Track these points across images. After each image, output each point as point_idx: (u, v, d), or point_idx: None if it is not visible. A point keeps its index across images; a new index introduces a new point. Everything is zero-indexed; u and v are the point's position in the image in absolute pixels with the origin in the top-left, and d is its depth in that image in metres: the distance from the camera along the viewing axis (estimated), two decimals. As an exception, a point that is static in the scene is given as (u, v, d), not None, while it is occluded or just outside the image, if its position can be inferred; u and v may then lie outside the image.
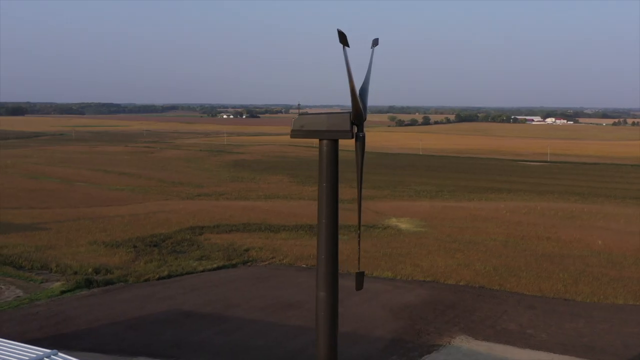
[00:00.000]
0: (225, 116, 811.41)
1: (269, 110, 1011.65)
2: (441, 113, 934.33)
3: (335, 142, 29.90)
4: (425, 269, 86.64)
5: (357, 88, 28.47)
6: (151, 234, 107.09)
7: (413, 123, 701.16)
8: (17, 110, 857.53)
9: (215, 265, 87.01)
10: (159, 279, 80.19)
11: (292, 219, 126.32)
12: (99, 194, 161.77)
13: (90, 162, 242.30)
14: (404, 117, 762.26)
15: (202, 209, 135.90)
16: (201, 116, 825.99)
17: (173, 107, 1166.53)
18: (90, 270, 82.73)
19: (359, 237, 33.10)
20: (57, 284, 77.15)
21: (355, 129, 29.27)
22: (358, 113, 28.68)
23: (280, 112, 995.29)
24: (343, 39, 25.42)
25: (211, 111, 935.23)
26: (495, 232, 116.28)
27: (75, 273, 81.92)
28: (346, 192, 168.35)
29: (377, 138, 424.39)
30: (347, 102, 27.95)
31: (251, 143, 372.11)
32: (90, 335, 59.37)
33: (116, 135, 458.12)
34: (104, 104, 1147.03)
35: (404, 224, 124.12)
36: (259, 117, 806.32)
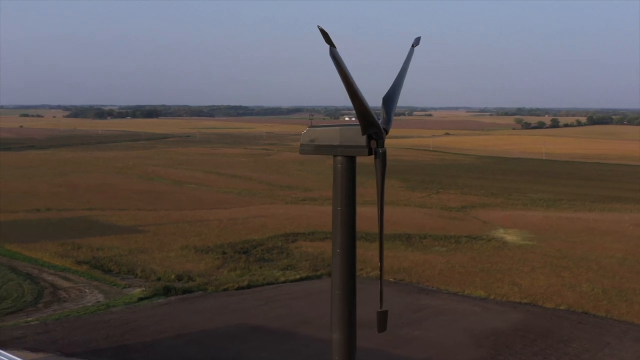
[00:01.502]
0: (347, 118, 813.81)
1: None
2: (573, 115, 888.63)
3: (351, 160, 24.90)
4: (524, 289, 79.18)
5: (384, 92, 23.92)
6: (243, 240, 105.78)
7: (540, 126, 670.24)
8: (152, 112, 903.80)
9: (298, 276, 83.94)
10: (238, 288, 78.08)
11: (391, 227, 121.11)
12: (206, 197, 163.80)
13: (206, 164, 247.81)
14: (531, 120, 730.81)
15: (301, 215, 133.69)
16: (324, 118, 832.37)
17: (298, 110, 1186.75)
18: (172, 276, 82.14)
19: (381, 270, 28.12)
20: (137, 290, 76.84)
21: (374, 144, 24.19)
22: (371, 124, 23.52)
23: (404, 114, 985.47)
24: (327, 38, 20.48)
25: (335, 113, 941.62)
26: (612, 248, 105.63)
27: (158, 279, 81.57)
28: (443, 197, 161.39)
29: (498, 142, 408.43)
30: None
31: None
32: (152, 347, 57.78)
33: (238, 138, 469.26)
34: (232, 107, 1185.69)
35: (510, 236, 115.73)
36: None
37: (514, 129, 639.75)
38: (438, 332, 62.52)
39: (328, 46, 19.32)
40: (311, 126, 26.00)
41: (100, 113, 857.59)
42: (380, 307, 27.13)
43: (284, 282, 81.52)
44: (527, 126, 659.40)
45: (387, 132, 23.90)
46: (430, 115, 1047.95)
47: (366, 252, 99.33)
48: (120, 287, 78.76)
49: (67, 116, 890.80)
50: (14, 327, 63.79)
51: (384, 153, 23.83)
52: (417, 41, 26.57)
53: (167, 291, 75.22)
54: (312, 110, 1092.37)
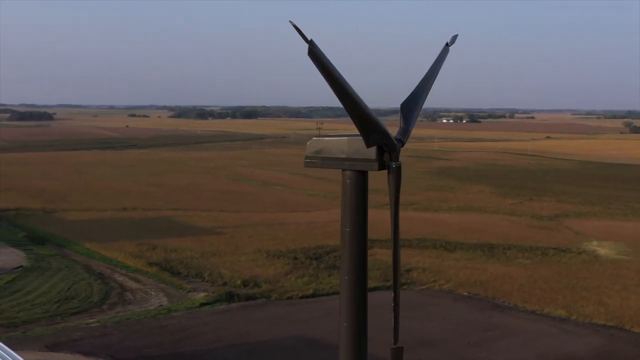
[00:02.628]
0: (445, 120, 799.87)
1: (492, 115, 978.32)
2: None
3: (361, 175, 21.49)
4: (611, 310, 72.56)
5: (404, 97, 20.80)
6: (318, 245, 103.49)
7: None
8: (251, 113, 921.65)
9: (370, 287, 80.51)
10: (302, 297, 75.79)
11: (474, 235, 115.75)
12: (291, 199, 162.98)
13: (296, 166, 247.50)
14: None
15: (381, 220, 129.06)
16: (421, 120, 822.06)
17: (395, 111, 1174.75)
18: (239, 282, 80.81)
19: (396, 301, 24.65)
20: (201, 295, 76.00)
21: (388, 158, 20.81)
22: (376, 133, 19.97)
23: (504, 117, 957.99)
24: (301, 33, 17.27)
25: (432, 115, 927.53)
26: None
27: (224, 284, 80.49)
28: (535, 205, 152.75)
29: (603, 146, 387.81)
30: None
31: (462, 149, 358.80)
32: (203, 357, 56.40)
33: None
34: (330, 108, 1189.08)
35: (604, 249, 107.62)
36: (479, 122, 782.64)
37: (621, 132, 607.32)
38: (507, 355, 57.81)
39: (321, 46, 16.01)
40: (317, 136, 22.75)
41: (201, 113, 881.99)
42: (395, 344, 23.58)
43: (351, 292, 78.39)
44: (636, 130, 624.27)
45: (402, 144, 20.18)
46: (532, 117, 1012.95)
47: (443, 262, 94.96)
48: (185, 290, 78.22)
49: (171, 116, 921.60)
50: (75, 328, 64.16)
51: (399, 168, 20.16)
52: (453, 39, 22.89)
53: (230, 297, 73.91)
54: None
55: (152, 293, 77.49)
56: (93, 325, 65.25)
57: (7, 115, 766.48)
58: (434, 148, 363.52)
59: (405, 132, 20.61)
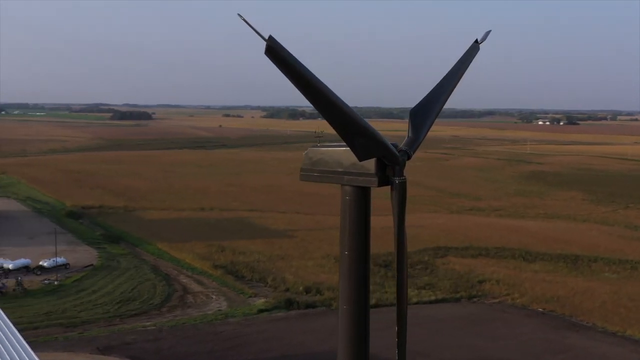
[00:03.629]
0: (540, 122, 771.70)
1: (592, 116, 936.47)
2: None
3: (362, 191, 18.52)
4: None
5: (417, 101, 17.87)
6: (389, 252, 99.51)
7: None
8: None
9: (433, 298, 76.99)
10: (364, 307, 72.81)
11: (558, 245, 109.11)
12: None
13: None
14: None
15: (460, 226, 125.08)
16: (516, 122, 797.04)
17: (490, 113, 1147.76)
18: (301, 288, 78.88)
19: (401, 321, 21.27)
20: (260, 301, 74.51)
21: (391, 172, 17.86)
22: (372, 144, 16.98)
23: (605, 119, 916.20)
24: (256, 32, 14.43)
25: (528, 117, 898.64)
26: None
27: (286, 290, 78.76)
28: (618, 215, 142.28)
29: None
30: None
31: (556, 152, 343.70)
32: (251, 368, 54.58)
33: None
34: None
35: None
36: (578, 124, 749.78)
37: None
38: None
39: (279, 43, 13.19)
40: (314, 146, 19.84)
41: (293, 114, 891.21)
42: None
43: (416, 303, 74.91)
44: None
45: (409, 156, 16.96)
46: (636, 120, 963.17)
47: (520, 274, 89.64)
48: (246, 295, 76.99)
49: (264, 116, 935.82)
50: (130, 331, 63.92)
51: (403, 184, 16.94)
52: (485, 36, 19.60)
53: (289, 304, 72.08)
54: (505, 114, 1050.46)
55: (213, 297, 76.65)
56: (149, 328, 64.83)
57: (110, 114, 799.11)
58: (527, 151, 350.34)
59: (413, 143, 17.38)
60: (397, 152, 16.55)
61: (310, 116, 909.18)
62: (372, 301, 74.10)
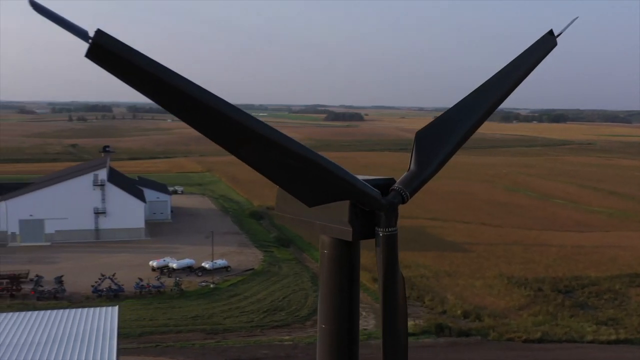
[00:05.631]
0: None
1: None
2: None
3: (344, 244, 12.75)
4: None
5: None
6: (574, 276, 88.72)
7: None
8: (560, 117, 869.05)
9: (613, 337, 65.74)
10: (525, 341, 64.24)
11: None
12: (567, 215, 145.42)
13: (588, 177, 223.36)
14: None
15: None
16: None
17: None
18: (459, 312, 71.87)
19: None
20: (410, 323, 68.49)
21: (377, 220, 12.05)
22: (336, 184, 11.10)
23: None
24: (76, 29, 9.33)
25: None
26: None
27: (443, 312, 72.23)
28: None
29: None
30: None
31: None
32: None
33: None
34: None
35: None
36: None
37: None
38: None
39: None
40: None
41: (507, 116, 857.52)
42: None
43: (590, 342, 64.41)
44: None
45: (404, 199, 11.00)
46: None
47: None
48: (398, 315, 71.43)
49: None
50: (266, 344, 61.82)
51: (391, 237, 11.04)
52: (571, 24, 13.19)
53: (440, 330, 65.64)
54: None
55: (363, 313, 72.21)
56: (285, 343, 62.15)
57: (325, 115, 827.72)
58: None
59: (413, 179, 11.19)
60: (377, 193, 10.59)
61: (525, 119, 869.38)
62: (538, 334, 65.41)
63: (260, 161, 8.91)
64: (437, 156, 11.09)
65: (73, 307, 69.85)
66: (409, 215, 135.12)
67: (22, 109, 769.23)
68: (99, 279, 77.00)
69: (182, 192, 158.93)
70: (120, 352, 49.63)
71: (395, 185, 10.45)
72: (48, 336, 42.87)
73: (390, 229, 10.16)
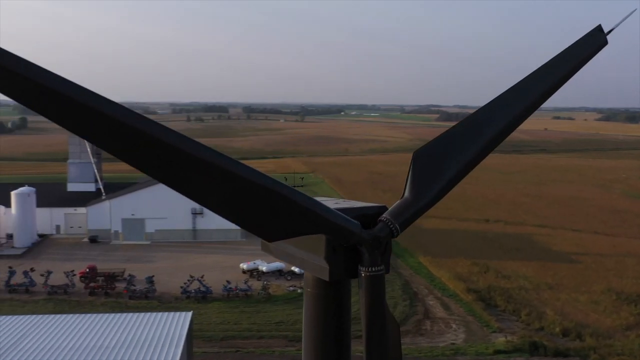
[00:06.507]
0: None
1: None
2: None
3: (328, 284, 10.58)
4: None
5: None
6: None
7: None
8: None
9: None
10: (630, 365, 58.52)
11: None
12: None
13: None
14: None
15: None
16: None
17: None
18: (557, 329, 66.93)
19: None
20: (501, 339, 64.47)
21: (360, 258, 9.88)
22: (334, 230, 9.01)
23: None
24: None
25: None
26: None
27: (540, 329, 67.54)
28: None
29: None
30: None
31: None
32: None
33: None
34: None
35: None
36: None
37: None
38: None
39: None
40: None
41: (632, 117, 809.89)
42: None
43: None
44: None
45: (393, 233, 8.71)
46: None
47: None
48: (491, 329, 67.52)
49: (599, 119, 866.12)
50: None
51: (375, 278, 8.85)
52: (627, 17, 10.68)
53: (534, 349, 61.25)
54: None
55: (453, 326, 68.74)
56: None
57: (437, 115, 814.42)
58: None
59: (405, 209, 8.70)
60: (355, 225, 8.36)
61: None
62: None
63: (199, 191, 6.90)
64: (438, 183, 8.55)
65: (161, 307, 71.03)
66: (514, 221, 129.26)
67: (145, 110, 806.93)
68: (188, 280, 77.69)
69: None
70: (191, 355, 49.20)
71: (384, 215, 8.11)
72: (114, 340, 42.90)
73: (374, 269, 7.84)
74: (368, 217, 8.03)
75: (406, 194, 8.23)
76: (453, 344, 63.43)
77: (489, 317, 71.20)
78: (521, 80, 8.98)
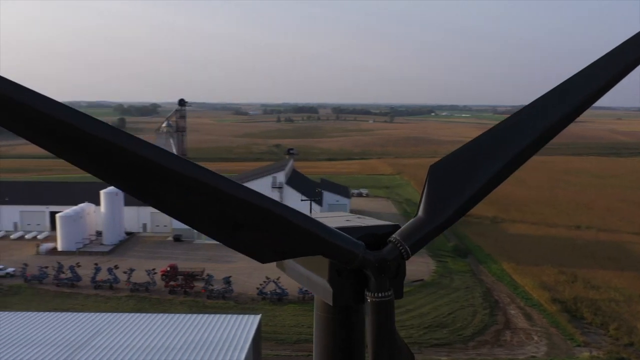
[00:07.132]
0: None
1: None
2: None
3: (334, 310, 9.74)
4: None
5: None
6: None
7: None
8: None
9: None
10: None
11: None
12: None
13: None
14: None
15: None
16: None
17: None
18: (648, 345, 62.61)
19: None
20: (586, 354, 61.02)
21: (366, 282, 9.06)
22: (335, 252, 8.25)
23: None
24: None
25: None
26: None
27: (629, 345, 63.58)
28: None
29: None
30: None
31: None
32: None
33: None
34: None
35: None
36: None
37: None
38: None
39: None
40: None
41: None
42: None
43: None
44: None
45: (403, 255, 7.95)
46: None
47: None
48: (574, 344, 64.08)
49: None
50: (419, 364, 57.93)
51: (383, 304, 8.11)
52: None
53: (621, 364, 57.40)
54: None
55: (535, 338, 65.69)
56: (440, 365, 58.04)
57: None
58: None
59: (417, 230, 7.79)
60: (358, 247, 7.43)
61: None
62: None
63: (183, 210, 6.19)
64: (456, 201, 7.41)
65: (237, 308, 71.51)
66: (608, 228, 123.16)
67: (237, 111, 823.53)
68: (264, 281, 77.89)
69: (367, 195, 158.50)
70: (259, 359, 48.98)
71: (393, 236, 7.08)
72: (181, 341, 43.23)
73: (381, 294, 6.86)
74: (377, 237, 7.06)
75: (420, 212, 7.13)
76: (533, 357, 60.59)
77: (574, 329, 67.65)
78: (566, 80, 7.74)
